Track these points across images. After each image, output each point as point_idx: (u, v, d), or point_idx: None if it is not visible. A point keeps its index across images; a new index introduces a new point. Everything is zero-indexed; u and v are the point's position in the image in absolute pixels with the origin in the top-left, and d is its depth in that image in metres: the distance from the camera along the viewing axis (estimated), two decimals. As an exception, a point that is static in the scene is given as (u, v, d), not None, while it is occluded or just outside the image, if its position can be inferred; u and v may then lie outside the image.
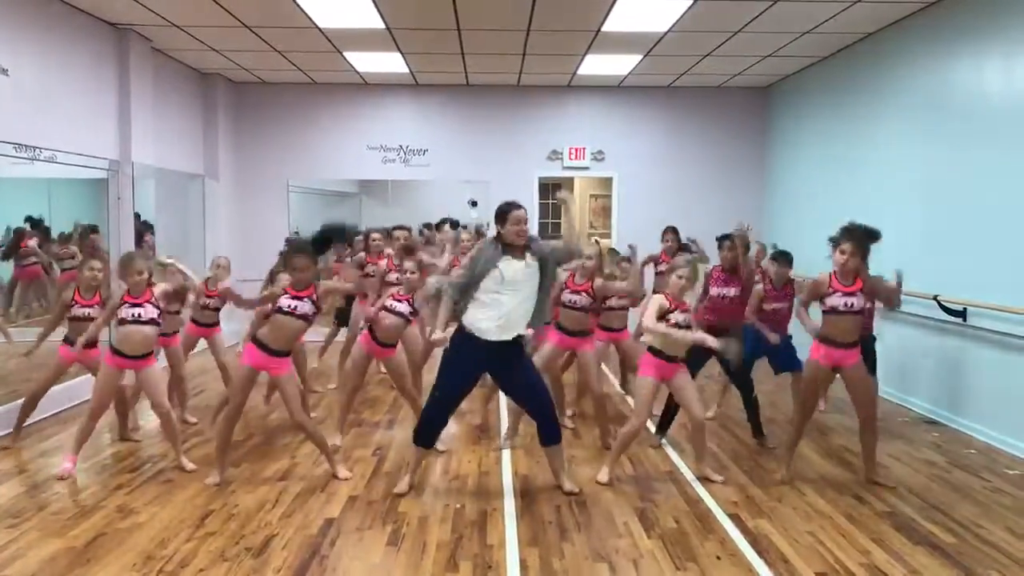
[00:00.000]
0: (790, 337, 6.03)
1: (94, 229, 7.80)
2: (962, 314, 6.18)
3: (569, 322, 5.61)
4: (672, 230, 7.51)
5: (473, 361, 4.57)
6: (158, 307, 5.07)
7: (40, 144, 6.56)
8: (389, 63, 9.17)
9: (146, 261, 5.21)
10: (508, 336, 4.47)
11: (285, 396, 4.82)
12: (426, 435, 4.73)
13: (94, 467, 5.19)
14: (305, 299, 4.72)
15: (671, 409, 5.71)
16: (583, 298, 5.53)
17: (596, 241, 5.63)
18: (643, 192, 10.64)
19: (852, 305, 4.71)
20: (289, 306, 4.69)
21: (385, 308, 5.40)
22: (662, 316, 4.74)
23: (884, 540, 4.07)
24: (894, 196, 7.32)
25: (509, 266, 4.42)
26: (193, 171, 9.72)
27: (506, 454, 5.47)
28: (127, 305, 4.96)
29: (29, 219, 7.49)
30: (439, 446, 5.37)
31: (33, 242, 7.36)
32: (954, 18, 6.47)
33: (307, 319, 4.76)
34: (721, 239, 5.84)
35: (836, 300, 4.71)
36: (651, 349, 4.90)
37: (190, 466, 5.08)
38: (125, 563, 3.72)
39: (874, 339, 6.06)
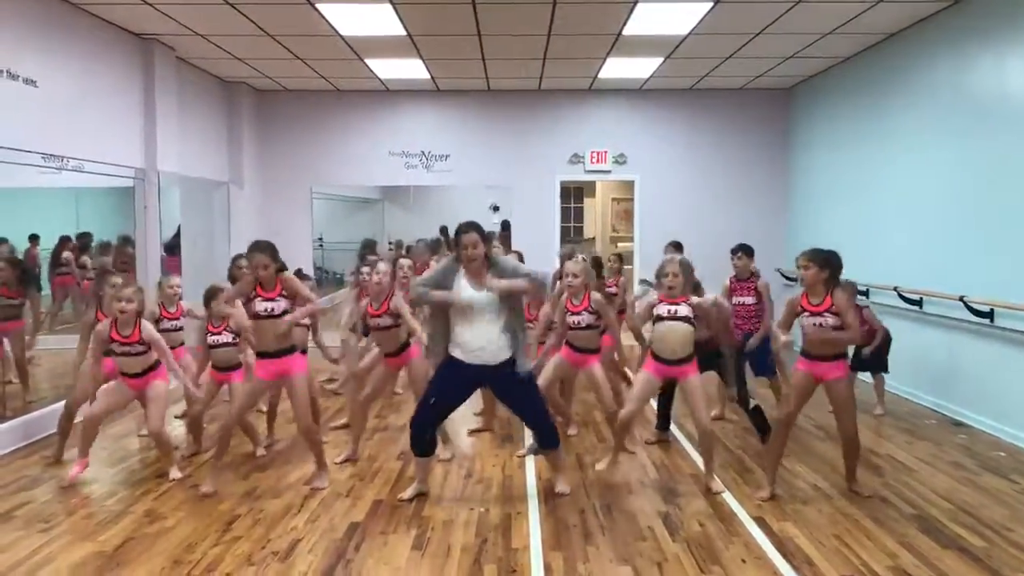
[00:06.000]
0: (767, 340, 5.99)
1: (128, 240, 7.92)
2: (989, 315, 6.10)
3: (576, 340, 5.40)
4: (675, 244, 7.34)
5: (458, 379, 4.56)
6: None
7: (68, 154, 6.68)
8: (410, 69, 9.22)
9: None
10: (490, 362, 4.47)
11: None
12: (418, 442, 4.69)
13: (121, 473, 5.27)
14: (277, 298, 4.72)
15: (664, 405, 5.96)
16: (585, 316, 5.37)
17: (582, 258, 5.52)
18: (665, 195, 10.60)
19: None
20: (265, 309, 4.67)
21: None
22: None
23: (911, 543, 4.03)
24: (918, 197, 7.25)
25: (465, 289, 4.44)
26: (218, 178, 9.83)
27: (530, 458, 5.47)
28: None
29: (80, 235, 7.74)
30: (442, 454, 5.37)
31: (67, 254, 7.53)
32: (975, 16, 6.41)
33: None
34: (734, 250, 6.22)
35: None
36: (652, 352, 4.94)
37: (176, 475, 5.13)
38: (153, 567, 3.78)
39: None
